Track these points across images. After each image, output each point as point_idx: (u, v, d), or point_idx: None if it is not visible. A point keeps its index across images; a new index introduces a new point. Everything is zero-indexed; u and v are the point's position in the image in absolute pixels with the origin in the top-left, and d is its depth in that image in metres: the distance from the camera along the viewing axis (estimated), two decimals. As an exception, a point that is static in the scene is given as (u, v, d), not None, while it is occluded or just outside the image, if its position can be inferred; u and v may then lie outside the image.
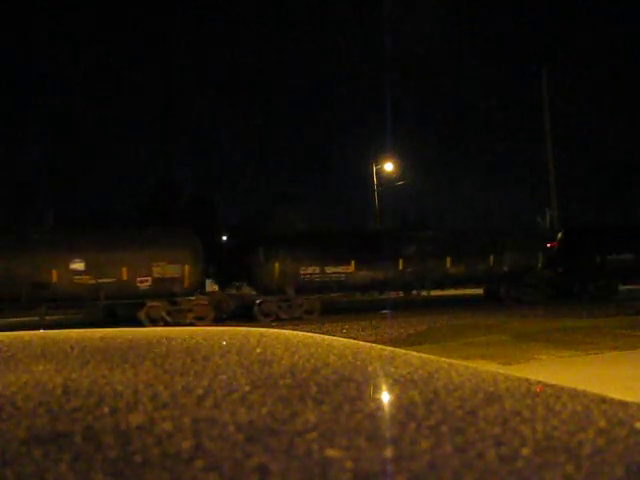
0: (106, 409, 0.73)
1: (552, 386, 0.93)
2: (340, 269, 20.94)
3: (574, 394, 0.88)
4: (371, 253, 21.28)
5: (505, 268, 23.25)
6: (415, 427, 0.69)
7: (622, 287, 25.31)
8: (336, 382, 0.91)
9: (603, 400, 0.85)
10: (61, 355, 1.11)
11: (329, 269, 20.83)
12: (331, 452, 0.60)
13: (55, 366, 0.99)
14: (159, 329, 1.49)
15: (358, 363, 1.08)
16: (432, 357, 1.16)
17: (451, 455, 0.60)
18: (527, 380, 0.96)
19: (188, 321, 17.93)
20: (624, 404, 0.83)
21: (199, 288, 19.62)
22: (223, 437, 0.64)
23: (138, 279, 18.24)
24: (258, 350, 1.16)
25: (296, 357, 1.08)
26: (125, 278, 18.09)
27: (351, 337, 11.21)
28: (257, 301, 20.15)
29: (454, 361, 1.14)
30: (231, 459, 0.58)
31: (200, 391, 0.81)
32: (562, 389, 0.90)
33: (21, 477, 0.55)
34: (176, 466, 0.57)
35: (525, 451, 0.62)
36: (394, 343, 11.99)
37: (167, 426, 0.66)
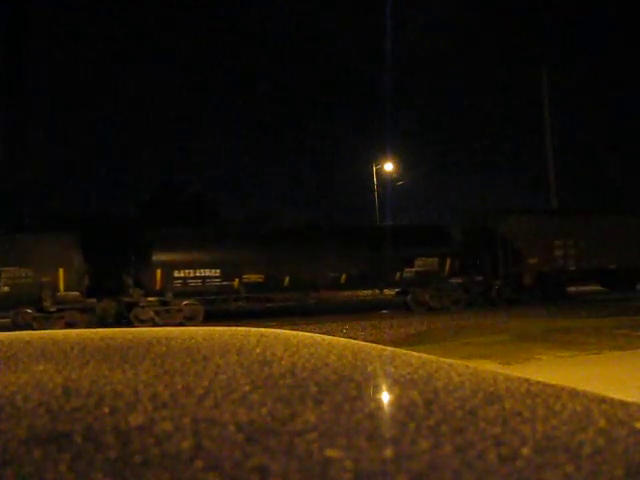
0: (106, 409, 0.73)
1: (552, 386, 0.93)
2: None
3: (574, 394, 0.88)
4: None
5: (6, 288, 17.09)
6: (415, 427, 0.69)
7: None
8: (336, 382, 0.90)
9: (603, 400, 0.85)
10: (61, 355, 1.11)
11: None
12: (331, 452, 0.60)
13: (55, 366, 0.99)
14: (159, 329, 1.48)
15: (358, 363, 1.07)
16: (432, 357, 1.16)
17: (451, 455, 0.60)
18: (527, 380, 0.96)
19: None
20: (624, 404, 0.83)
21: None
22: (223, 437, 0.64)
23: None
24: (258, 350, 1.16)
25: (296, 357, 1.08)
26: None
27: (351, 337, 11.20)
28: None
29: (454, 361, 1.14)
30: (231, 459, 0.58)
31: (200, 391, 0.81)
32: (562, 389, 0.90)
33: (21, 477, 0.55)
34: (176, 466, 0.57)
35: (525, 451, 0.62)
36: (394, 343, 11.99)
37: (167, 426, 0.66)
